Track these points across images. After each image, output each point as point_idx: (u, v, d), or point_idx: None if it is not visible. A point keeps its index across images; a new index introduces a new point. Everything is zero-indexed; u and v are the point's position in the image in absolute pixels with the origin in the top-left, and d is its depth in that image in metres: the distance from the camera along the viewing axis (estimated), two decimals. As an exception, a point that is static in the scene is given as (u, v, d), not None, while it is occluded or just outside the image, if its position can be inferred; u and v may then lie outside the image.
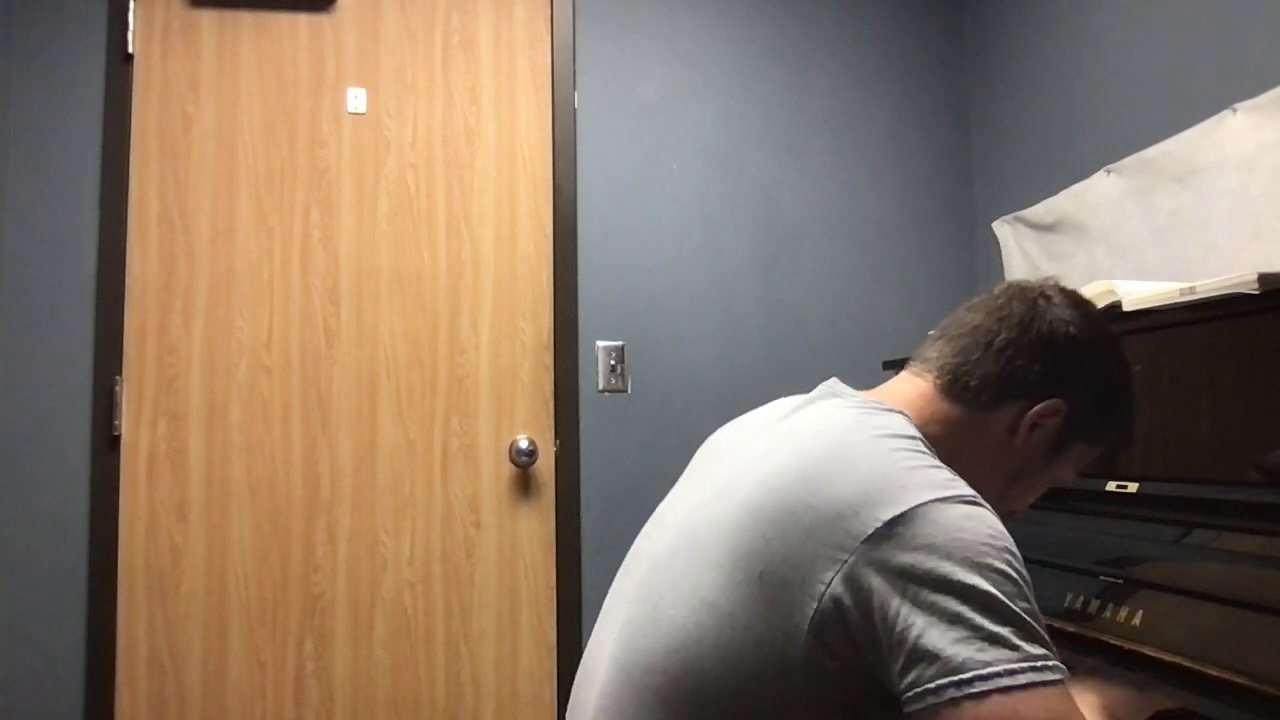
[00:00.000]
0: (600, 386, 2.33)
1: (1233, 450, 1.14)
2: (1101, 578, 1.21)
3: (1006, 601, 0.70)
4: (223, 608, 2.18)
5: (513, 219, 2.34)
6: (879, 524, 0.73)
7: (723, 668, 0.76)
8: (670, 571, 0.84)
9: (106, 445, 2.16)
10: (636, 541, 0.98)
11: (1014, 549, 0.74)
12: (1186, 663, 1.01)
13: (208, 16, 2.28)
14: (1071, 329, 0.91)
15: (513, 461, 2.26)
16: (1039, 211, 2.18)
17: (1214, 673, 0.97)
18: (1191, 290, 1.16)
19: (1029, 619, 0.71)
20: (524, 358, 2.31)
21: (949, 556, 0.71)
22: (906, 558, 0.71)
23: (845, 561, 0.73)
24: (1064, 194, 2.08)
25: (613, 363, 2.34)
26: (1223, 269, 1.47)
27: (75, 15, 2.22)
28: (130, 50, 2.24)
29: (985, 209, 2.47)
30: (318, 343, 2.26)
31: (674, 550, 0.85)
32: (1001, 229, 2.35)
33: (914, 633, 0.70)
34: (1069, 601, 1.23)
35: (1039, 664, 0.68)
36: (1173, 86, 1.80)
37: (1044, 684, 0.68)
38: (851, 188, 2.49)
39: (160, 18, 2.27)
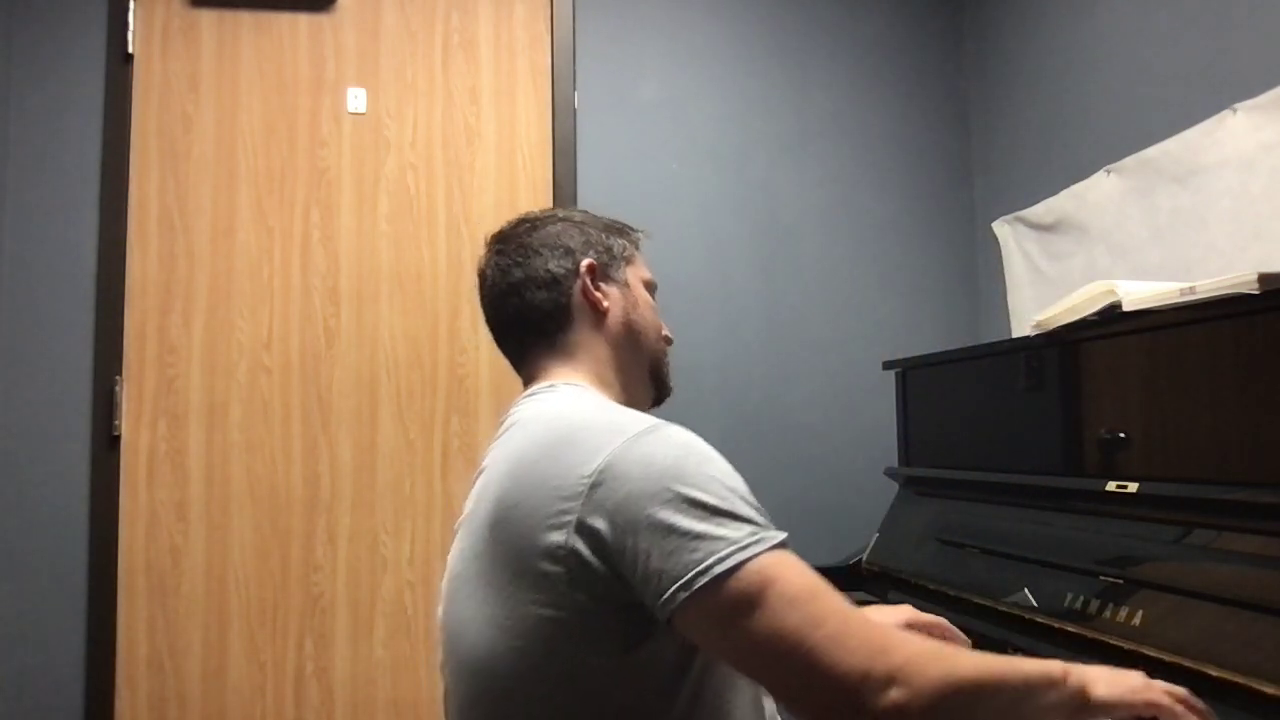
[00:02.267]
0: (600, 386, 2.33)
1: (1233, 450, 1.14)
2: (1101, 578, 1.21)
3: (705, 497, 0.80)
4: (223, 608, 2.18)
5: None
6: (586, 480, 0.83)
7: (524, 661, 0.85)
8: (457, 614, 0.94)
9: (106, 445, 2.16)
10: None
11: (701, 450, 0.85)
12: (1186, 663, 1.01)
13: (208, 16, 2.28)
14: (529, 232, 1.07)
15: (513, 461, 2.26)
16: (1039, 211, 2.18)
17: (1214, 673, 0.97)
18: (1191, 290, 1.16)
19: (727, 506, 0.80)
20: (524, 358, 2.31)
21: (648, 482, 0.81)
22: (616, 497, 0.81)
23: (571, 521, 0.82)
24: (1064, 194, 2.07)
25: (613, 363, 2.33)
26: (1223, 269, 1.47)
27: (75, 15, 2.22)
28: (130, 50, 2.24)
29: (985, 209, 2.47)
30: (318, 343, 2.26)
31: (452, 597, 0.96)
32: (1001, 229, 2.35)
33: (642, 556, 0.79)
34: (1069, 601, 1.23)
35: (744, 542, 0.78)
36: (1173, 86, 1.80)
37: (754, 556, 0.77)
38: (851, 188, 2.49)
39: (160, 18, 2.27)
